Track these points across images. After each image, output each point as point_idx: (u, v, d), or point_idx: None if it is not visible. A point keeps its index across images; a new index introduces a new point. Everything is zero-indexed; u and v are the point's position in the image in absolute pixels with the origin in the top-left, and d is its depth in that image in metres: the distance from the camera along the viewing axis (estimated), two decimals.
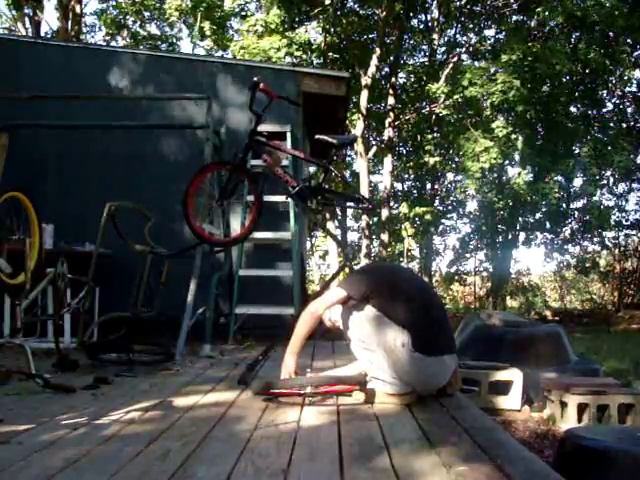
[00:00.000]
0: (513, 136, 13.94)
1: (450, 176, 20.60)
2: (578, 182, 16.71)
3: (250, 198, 5.32)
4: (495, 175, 16.54)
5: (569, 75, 13.74)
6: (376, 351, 2.82)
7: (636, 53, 15.96)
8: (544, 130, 15.70)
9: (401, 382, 2.80)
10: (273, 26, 14.90)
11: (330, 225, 18.32)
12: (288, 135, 6.03)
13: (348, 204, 4.71)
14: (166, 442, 2.14)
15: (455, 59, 17.60)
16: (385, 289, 2.88)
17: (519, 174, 14.95)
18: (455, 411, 2.64)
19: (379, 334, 2.80)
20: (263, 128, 4.39)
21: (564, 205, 16.14)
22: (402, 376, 2.78)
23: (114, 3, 19.45)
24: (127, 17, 19.68)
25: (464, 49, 18.21)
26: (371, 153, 18.65)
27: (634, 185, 17.10)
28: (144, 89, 6.48)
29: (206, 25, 16.58)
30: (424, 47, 19.56)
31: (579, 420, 4.54)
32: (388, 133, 17.38)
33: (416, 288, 3.04)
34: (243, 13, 17.31)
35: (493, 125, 13.71)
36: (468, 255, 19.88)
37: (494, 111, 13.77)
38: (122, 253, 5.05)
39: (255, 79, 3.93)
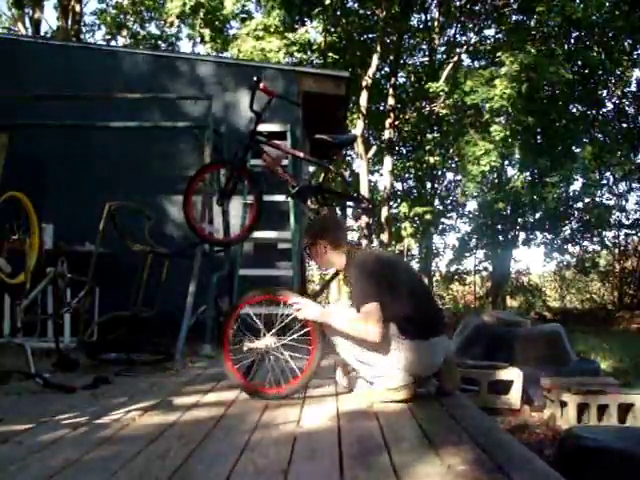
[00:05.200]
0: (510, 139, 13.95)
1: (450, 176, 20.62)
2: (578, 183, 16.73)
3: (250, 198, 5.31)
4: (495, 175, 16.54)
5: (566, 81, 13.77)
6: (363, 347, 2.84)
7: (636, 53, 15.96)
8: (543, 132, 15.71)
9: (397, 372, 2.82)
10: (272, 29, 14.92)
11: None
12: (288, 135, 6.02)
13: (348, 203, 4.70)
14: (166, 442, 2.14)
15: (455, 59, 17.60)
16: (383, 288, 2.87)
17: (518, 177, 14.96)
18: (455, 411, 2.64)
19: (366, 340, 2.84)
20: (263, 128, 4.40)
21: (564, 205, 16.13)
22: (394, 365, 2.81)
23: (113, 3, 19.48)
24: (127, 17, 19.69)
25: (464, 49, 18.21)
26: (371, 153, 18.65)
27: (634, 185, 17.10)
28: (144, 89, 6.47)
29: (206, 32, 16.59)
30: (424, 47, 19.58)
31: (579, 420, 4.54)
32: (388, 133, 17.38)
33: (406, 278, 3.00)
34: (243, 15, 17.34)
35: (491, 129, 13.73)
36: (468, 254, 19.87)
37: (492, 115, 13.79)
38: (122, 253, 5.05)
39: (255, 78, 3.94)
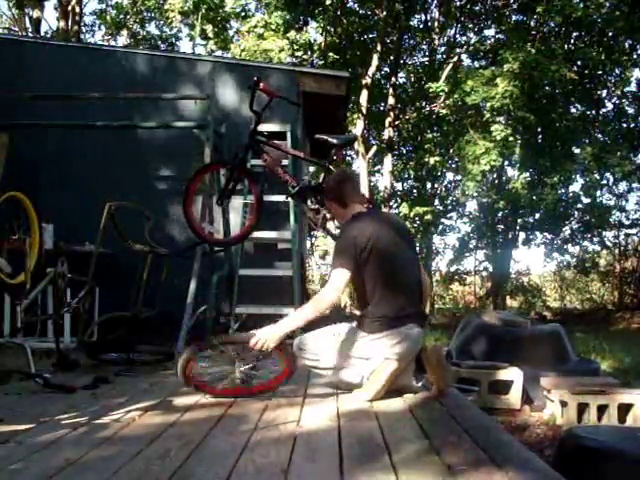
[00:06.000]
0: (511, 138, 13.98)
1: (450, 176, 20.62)
2: (577, 185, 16.76)
3: (250, 198, 5.32)
4: (495, 176, 16.54)
5: (566, 81, 13.78)
6: (339, 357, 2.97)
7: (636, 53, 15.96)
8: (543, 132, 15.71)
9: (377, 356, 2.89)
10: (274, 26, 14.92)
11: (330, 225, 18.30)
12: (288, 135, 6.01)
13: None
14: (166, 442, 2.14)
15: (455, 59, 17.61)
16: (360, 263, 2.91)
17: (518, 177, 14.97)
18: (455, 411, 2.64)
19: (335, 348, 2.97)
20: (263, 128, 4.39)
21: (564, 205, 16.13)
22: (372, 353, 2.89)
23: (113, 3, 19.48)
24: (127, 17, 19.68)
25: (464, 49, 18.22)
26: (371, 153, 18.65)
27: (634, 185, 17.08)
28: (144, 89, 6.48)
29: (208, 28, 16.58)
30: (424, 47, 19.59)
31: (579, 420, 4.54)
32: (388, 133, 17.38)
33: (386, 260, 2.95)
34: (244, 14, 17.36)
35: (492, 128, 13.74)
36: (468, 255, 19.88)
37: (493, 114, 13.80)
38: (122, 253, 5.05)
39: (255, 78, 3.94)
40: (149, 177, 6.58)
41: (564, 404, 4.66)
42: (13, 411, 2.69)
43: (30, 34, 16.82)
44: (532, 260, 30.60)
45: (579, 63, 15.05)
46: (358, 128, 16.62)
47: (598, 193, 16.40)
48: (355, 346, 2.95)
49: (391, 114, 17.25)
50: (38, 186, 5.91)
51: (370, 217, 3.12)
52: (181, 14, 16.65)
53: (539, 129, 15.40)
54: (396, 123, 17.81)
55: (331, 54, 16.43)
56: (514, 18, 17.18)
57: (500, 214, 16.46)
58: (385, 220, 3.19)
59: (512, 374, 5.11)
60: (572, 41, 15.99)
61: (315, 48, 16.35)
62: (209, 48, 17.45)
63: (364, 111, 16.74)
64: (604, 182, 16.75)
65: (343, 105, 7.82)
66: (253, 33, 15.23)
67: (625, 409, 4.55)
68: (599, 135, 16.18)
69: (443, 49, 19.04)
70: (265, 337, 2.82)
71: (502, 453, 1.98)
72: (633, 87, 16.94)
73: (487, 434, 2.26)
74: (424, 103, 17.91)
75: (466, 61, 18.10)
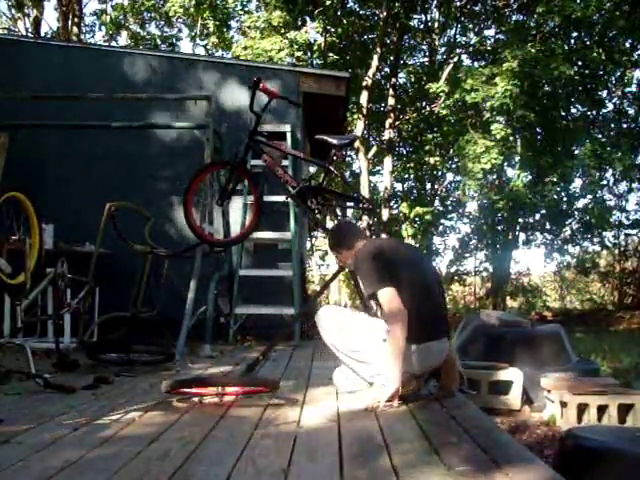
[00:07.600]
0: (512, 138, 13.97)
1: (450, 176, 20.63)
2: (578, 182, 16.74)
3: (250, 198, 5.32)
4: (495, 176, 16.54)
5: (567, 80, 13.80)
6: (359, 346, 2.91)
7: (636, 53, 15.97)
8: (543, 131, 15.71)
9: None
10: (275, 23, 14.96)
11: (330, 225, 18.30)
12: (288, 135, 6.02)
13: (348, 204, 4.71)
14: (166, 442, 2.14)
15: (455, 59, 17.62)
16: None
17: (518, 176, 14.97)
18: (455, 411, 2.64)
19: (363, 338, 2.91)
20: (263, 128, 4.40)
21: (564, 206, 16.13)
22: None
23: (113, 4, 19.52)
24: (127, 17, 19.70)
25: (464, 49, 18.23)
26: (371, 153, 18.65)
27: (634, 185, 17.07)
28: (144, 89, 6.48)
29: (210, 23, 16.60)
30: (424, 47, 19.60)
31: (579, 420, 4.54)
32: (388, 133, 17.39)
33: (405, 271, 2.89)
34: (246, 9, 17.44)
35: (492, 127, 13.74)
36: (468, 255, 19.87)
37: (493, 114, 13.80)
38: (122, 253, 5.05)
39: (255, 78, 3.94)
40: (149, 177, 6.58)
41: (564, 404, 4.66)
42: (13, 411, 2.69)
43: (30, 35, 16.83)
44: (532, 260, 30.63)
45: (579, 63, 15.05)
46: (358, 128, 16.63)
47: (598, 193, 16.41)
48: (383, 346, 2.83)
49: (391, 114, 17.27)
50: (38, 186, 5.90)
51: (380, 239, 3.21)
52: (182, 8, 16.62)
53: (539, 128, 15.39)
54: (396, 123, 17.82)
55: (331, 54, 16.44)
56: (514, 18, 17.21)
57: (500, 214, 16.45)
58: (394, 240, 3.26)
59: (512, 374, 5.11)
60: (572, 41, 16.00)
61: (315, 48, 16.36)
62: (210, 43, 17.45)
63: (364, 111, 16.75)
64: (604, 182, 16.76)
65: (343, 105, 7.83)
66: (255, 29, 15.26)
67: (625, 409, 4.55)
68: (599, 135, 16.19)
69: (443, 49, 19.07)
70: (387, 393, 2.66)
71: (502, 453, 1.98)
72: (634, 88, 16.97)
73: (487, 434, 2.26)
74: (424, 103, 17.92)
75: (466, 61, 18.14)
